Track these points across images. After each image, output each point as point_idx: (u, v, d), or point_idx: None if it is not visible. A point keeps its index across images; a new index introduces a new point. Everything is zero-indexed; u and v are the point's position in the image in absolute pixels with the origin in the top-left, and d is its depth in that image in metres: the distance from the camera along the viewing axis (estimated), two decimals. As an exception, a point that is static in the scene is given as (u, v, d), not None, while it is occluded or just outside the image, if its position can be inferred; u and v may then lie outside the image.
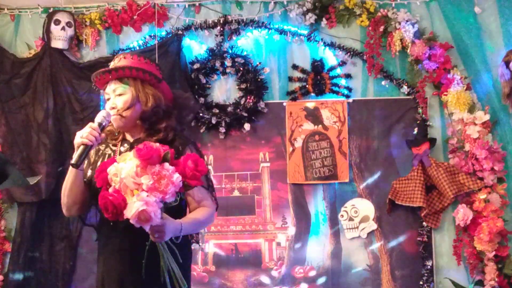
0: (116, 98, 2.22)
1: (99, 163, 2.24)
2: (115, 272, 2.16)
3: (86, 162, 2.25)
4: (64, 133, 3.84)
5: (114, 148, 2.28)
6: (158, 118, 2.24)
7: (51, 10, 3.91)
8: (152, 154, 1.87)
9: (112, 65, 2.29)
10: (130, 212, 1.83)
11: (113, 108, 2.22)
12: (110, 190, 1.88)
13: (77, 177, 2.20)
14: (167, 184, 1.85)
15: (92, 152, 2.28)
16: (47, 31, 3.84)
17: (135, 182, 1.86)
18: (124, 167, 1.88)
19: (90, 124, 2.13)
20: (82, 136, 2.09)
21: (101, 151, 2.30)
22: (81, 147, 2.09)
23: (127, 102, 2.20)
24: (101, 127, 2.16)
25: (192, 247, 2.42)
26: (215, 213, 2.30)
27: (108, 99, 2.26)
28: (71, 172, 2.19)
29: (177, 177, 1.87)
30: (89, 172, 2.25)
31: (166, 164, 1.88)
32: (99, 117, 2.18)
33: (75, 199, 2.23)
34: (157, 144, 1.93)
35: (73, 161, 2.08)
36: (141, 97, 2.22)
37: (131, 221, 1.84)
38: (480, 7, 3.65)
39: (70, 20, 3.86)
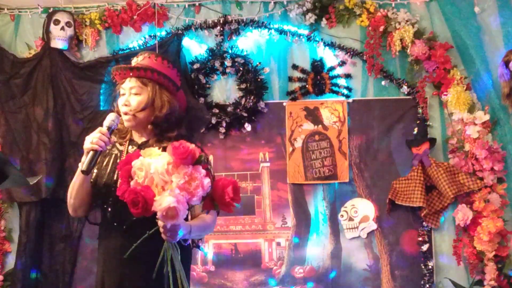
0: (132, 96, 2.19)
1: (105, 162, 2.23)
2: (115, 272, 2.15)
3: None
4: (64, 132, 3.84)
5: (121, 148, 2.26)
6: (169, 126, 2.21)
7: (51, 10, 3.91)
8: (188, 155, 1.85)
9: (134, 61, 2.26)
10: (160, 206, 1.80)
11: (126, 105, 2.18)
12: (132, 183, 1.85)
13: (85, 181, 2.17)
14: (197, 187, 1.83)
15: None
16: (47, 31, 3.83)
17: (163, 179, 1.83)
18: (153, 162, 1.85)
19: (100, 128, 2.09)
20: (92, 141, 2.05)
21: (107, 150, 2.26)
22: (91, 153, 2.04)
23: (141, 103, 2.17)
24: (110, 131, 2.12)
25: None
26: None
27: (123, 95, 2.21)
28: (79, 175, 2.15)
29: (207, 182, 1.86)
30: (95, 172, 2.22)
31: (199, 167, 1.86)
32: (108, 121, 2.14)
33: (82, 200, 2.21)
34: (193, 145, 1.90)
35: (83, 167, 2.04)
36: (156, 102, 2.18)
37: (158, 214, 1.82)
38: (480, 7, 3.64)
39: (70, 20, 3.85)
